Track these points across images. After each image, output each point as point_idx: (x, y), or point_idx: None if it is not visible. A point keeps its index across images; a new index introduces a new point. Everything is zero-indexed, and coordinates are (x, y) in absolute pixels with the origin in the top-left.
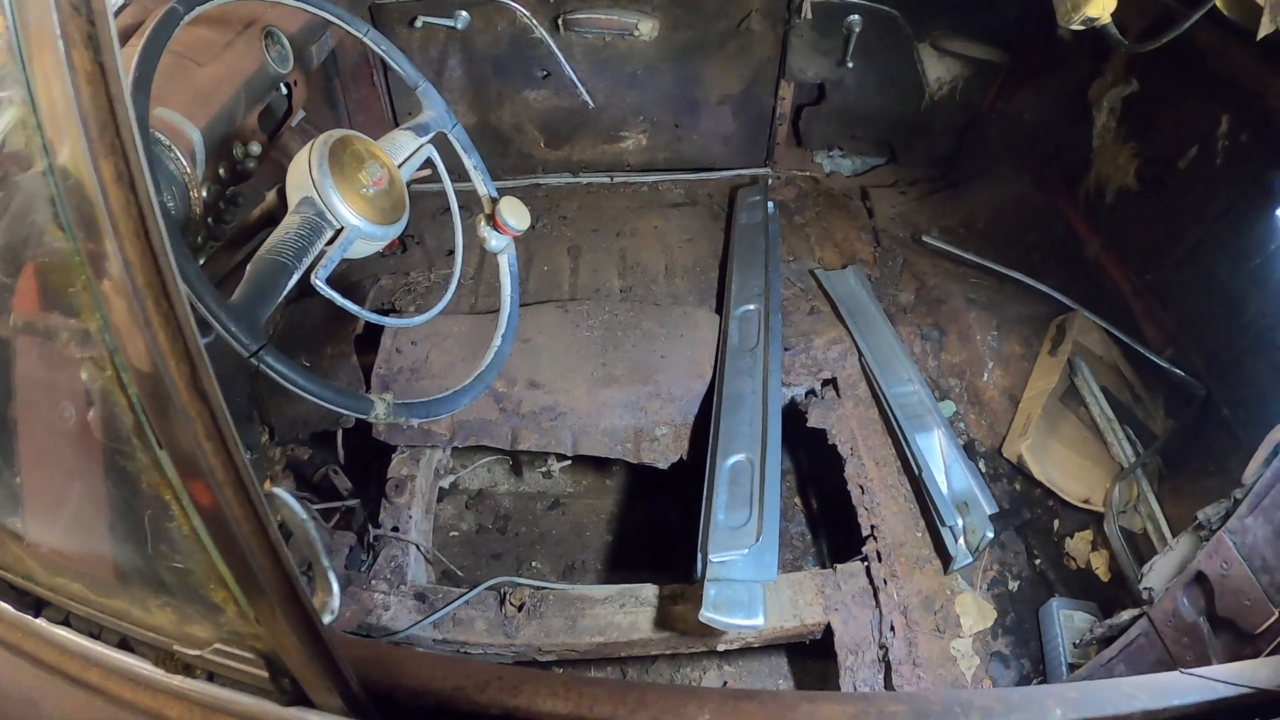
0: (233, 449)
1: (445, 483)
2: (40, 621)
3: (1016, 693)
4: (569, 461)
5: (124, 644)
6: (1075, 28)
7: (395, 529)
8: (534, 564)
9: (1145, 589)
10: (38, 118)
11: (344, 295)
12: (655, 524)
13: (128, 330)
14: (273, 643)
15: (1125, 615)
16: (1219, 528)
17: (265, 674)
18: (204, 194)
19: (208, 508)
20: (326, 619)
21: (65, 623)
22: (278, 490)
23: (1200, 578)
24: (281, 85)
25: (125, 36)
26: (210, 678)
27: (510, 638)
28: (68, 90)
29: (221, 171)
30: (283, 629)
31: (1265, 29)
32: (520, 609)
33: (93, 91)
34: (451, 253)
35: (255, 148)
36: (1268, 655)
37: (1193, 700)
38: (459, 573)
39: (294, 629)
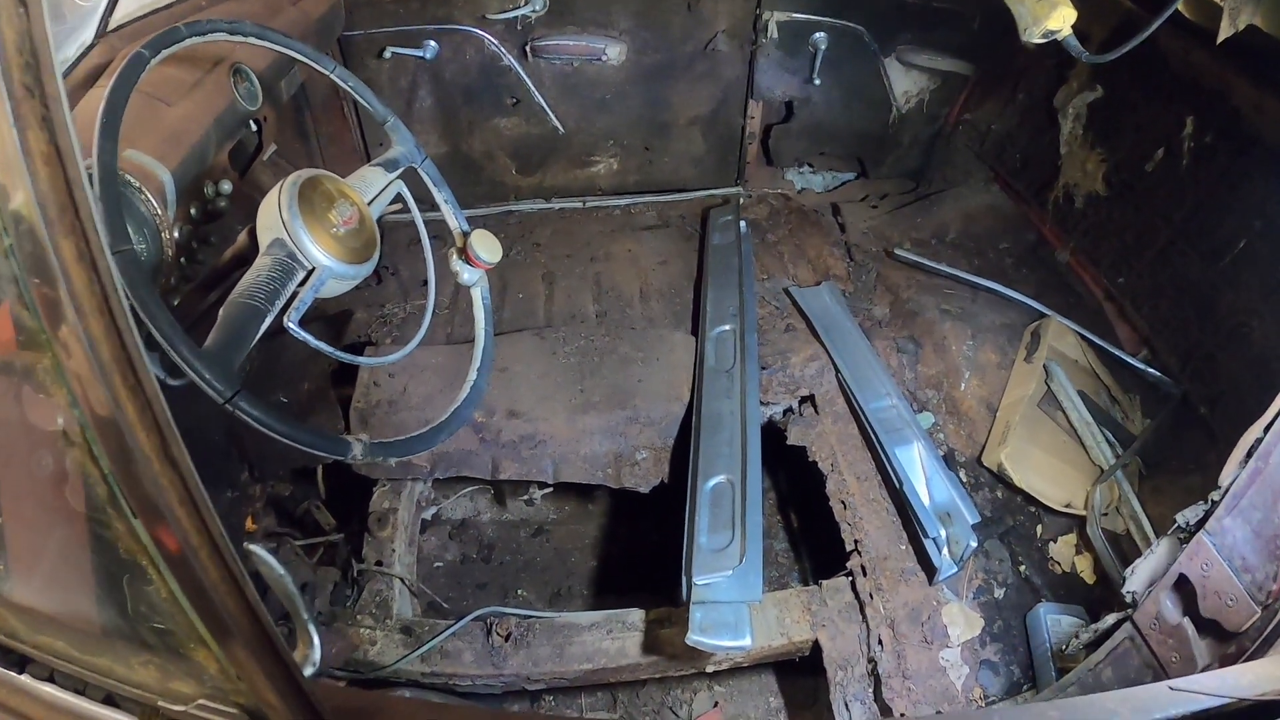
0: (206, 516)
1: (428, 514)
2: (25, 678)
3: (996, 713)
4: (551, 489)
5: (109, 700)
6: (1036, 41)
7: (379, 563)
8: (520, 592)
9: (1128, 593)
10: None
11: (322, 328)
12: (639, 547)
13: (99, 411)
14: (255, 698)
15: (1109, 620)
16: (1198, 530)
17: None
18: (176, 235)
19: (184, 573)
20: (308, 671)
21: (50, 679)
22: (254, 548)
23: (1182, 580)
24: (251, 122)
25: (93, 78)
26: None
27: (498, 668)
28: (24, 176)
29: (193, 211)
30: (264, 685)
31: (1225, 33)
32: (507, 639)
33: (50, 173)
34: (426, 283)
35: (226, 186)
36: (1249, 658)
37: (1176, 713)
38: (444, 604)
39: (275, 684)
